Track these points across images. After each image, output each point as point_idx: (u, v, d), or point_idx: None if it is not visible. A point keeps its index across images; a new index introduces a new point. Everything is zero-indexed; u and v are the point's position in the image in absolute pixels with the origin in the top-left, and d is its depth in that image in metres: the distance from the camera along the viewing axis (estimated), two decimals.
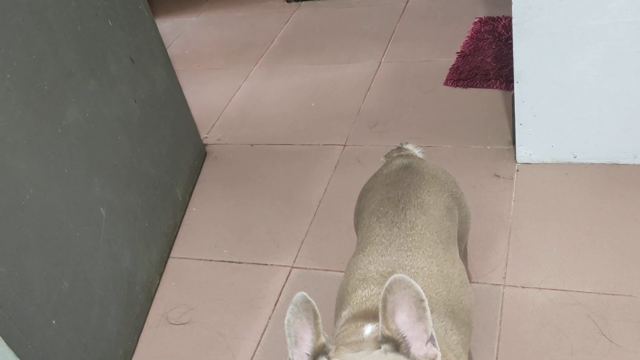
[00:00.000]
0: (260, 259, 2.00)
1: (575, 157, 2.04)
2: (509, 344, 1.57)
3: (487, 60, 2.70)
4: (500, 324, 1.62)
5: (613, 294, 1.61)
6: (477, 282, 1.74)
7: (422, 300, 0.86)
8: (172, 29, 3.68)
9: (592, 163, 2.02)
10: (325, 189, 2.22)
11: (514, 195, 2.00)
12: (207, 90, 3.02)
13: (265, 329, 1.77)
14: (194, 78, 3.13)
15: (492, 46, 2.76)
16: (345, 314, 1.14)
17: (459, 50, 2.80)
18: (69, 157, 1.61)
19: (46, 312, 1.43)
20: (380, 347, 0.89)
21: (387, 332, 0.88)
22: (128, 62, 1.97)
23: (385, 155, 1.55)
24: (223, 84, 3.04)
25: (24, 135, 1.45)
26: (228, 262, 2.03)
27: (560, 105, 1.95)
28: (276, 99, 2.83)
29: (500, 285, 1.73)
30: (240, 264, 2.01)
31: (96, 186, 1.71)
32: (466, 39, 2.87)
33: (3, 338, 1.27)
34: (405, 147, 1.55)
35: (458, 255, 1.29)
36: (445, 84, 2.64)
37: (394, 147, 1.59)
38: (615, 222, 1.81)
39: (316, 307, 0.89)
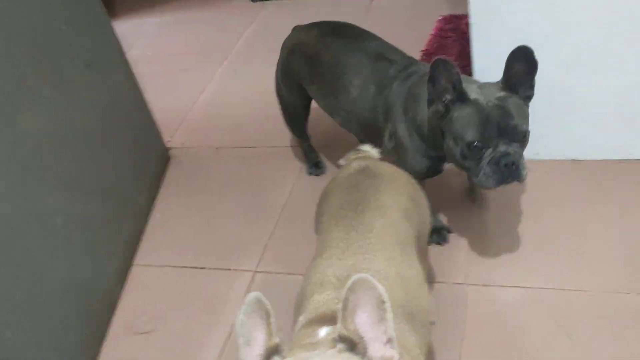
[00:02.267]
0: (223, 263, 1.98)
1: (537, 154, 2.05)
2: (473, 342, 1.58)
3: (451, 58, 2.70)
4: (465, 323, 1.63)
5: (573, 290, 1.63)
6: (440, 282, 1.74)
7: (384, 302, 0.86)
8: (134, 30, 3.62)
9: (554, 160, 2.03)
10: (290, 192, 2.21)
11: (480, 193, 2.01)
12: (172, 92, 2.97)
13: (229, 335, 1.75)
14: (158, 80, 3.07)
15: (455, 44, 2.77)
16: (301, 318, 1.13)
17: (423, 49, 2.81)
18: (22, 167, 1.57)
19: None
20: (335, 347, 0.88)
21: (344, 332, 0.87)
22: (84, 67, 1.93)
23: (343, 158, 1.54)
24: (187, 85, 3.01)
25: None
26: (192, 267, 2.00)
27: None
28: (241, 101, 2.80)
29: (463, 284, 1.73)
30: (203, 270, 1.98)
31: (51, 195, 1.67)
32: (430, 37, 2.87)
33: None
34: (362, 148, 1.54)
35: (416, 257, 1.29)
36: None
37: (352, 150, 1.58)
38: (580, 217, 1.83)
39: (269, 307, 0.87)
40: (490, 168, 1.49)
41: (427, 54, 2.76)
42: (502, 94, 1.52)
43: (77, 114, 1.86)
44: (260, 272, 1.92)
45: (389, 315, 0.86)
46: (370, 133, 1.79)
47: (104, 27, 2.07)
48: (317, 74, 1.90)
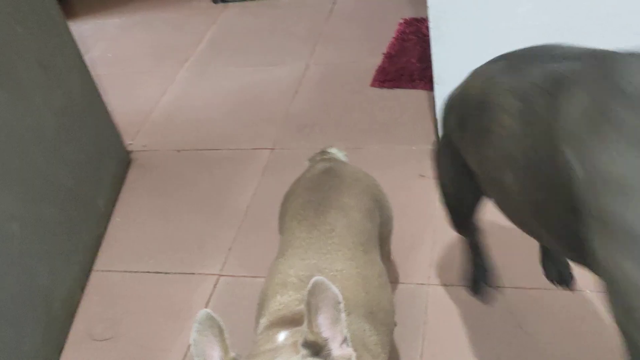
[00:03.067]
0: (186, 268, 1.96)
1: None
2: (434, 341, 1.60)
3: (412, 61, 2.74)
4: (425, 323, 1.65)
5: (530, 288, 1.67)
6: (402, 283, 1.76)
7: (339, 303, 0.88)
8: (93, 31, 3.55)
9: None
10: (253, 194, 2.20)
11: (438, 196, 2.03)
12: (132, 94, 2.93)
13: None
14: (118, 82, 3.03)
15: (416, 47, 2.81)
16: (263, 321, 1.13)
17: (385, 51, 2.83)
18: None
19: None
20: (299, 353, 0.89)
21: (310, 337, 0.88)
22: (39, 69, 1.88)
23: (309, 159, 1.55)
24: (149, 87, 2.97)
25: None
26: (154, 272, 1.98)
27: None
28: (203, 103, 2.78)
29: (425, 284, 1.75)
30: (166, 275, 1.96)
31: (5, 201, 1.62)
32: (392, 39, 2.90)
33: None
34: (329, 150, 1.55)
35: (378, 257, 1.30)
36: (372, 85, 2.66)
37: (318, 151, 1.59)
38: None
39: (221, 323, 0.87)
40: None
41: (389, 56, 2.79)
42: None
43: (31, 117, 1.82)
44: (225, 275, 1.91)
45: (343, 315, 0.89)
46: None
47: (60, 29, 2.02)
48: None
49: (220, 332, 0.87)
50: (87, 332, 1.81)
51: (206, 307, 1.83)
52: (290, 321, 1.04)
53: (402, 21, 3.00)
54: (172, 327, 1.78)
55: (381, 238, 1.38)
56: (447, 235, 1.89)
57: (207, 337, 0.87)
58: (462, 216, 1.38)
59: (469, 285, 1.56)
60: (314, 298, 0.86)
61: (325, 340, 0.89)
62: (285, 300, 1.10)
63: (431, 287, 1.74)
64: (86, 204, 2.04)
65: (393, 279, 1.75)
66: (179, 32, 3.42)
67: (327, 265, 1.15)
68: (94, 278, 1.99)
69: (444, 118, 1.23)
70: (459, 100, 1.16)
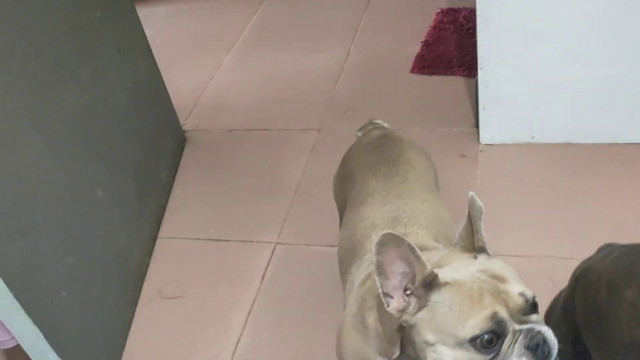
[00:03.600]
0: (245, 236, 2.13)
1: (533, 137, 2.23)
2: None
3: (449, 49, 2.88)
4: None
5: (567, 257, 1.81)
6: None
7: (482, 212, 1.04)
8: (141, 19, 3.71)
9: (548, 143, 2.22)
10: (304, 171, 2.36)
11: (479, 173, 2.18)
12: (181, 80, 3.09)
13: (254, 300, 1.90)
14: (166, 68, 3.19)
15: (454, 36, 2.94)
16: (369, 256, 1.21)
17: (423, 40, 2.97)
18: (68, 141, 1.70)
19: (57, 284, 1.52)
20: (479, 256, 1.03)
21: (481, 244, 1.04)
22: (115, 52, 2.05)
23: (360, 129, 1.72)
24: (196, 74, 3.13)
25: (30, 119, 1.53)
26: (215, 240, 2.15)
27: (520, 91, 2.13)
28: (250, 87, 2.94)
29: None
30: (227, 242, 2.13)
31: (92, 169, 1.80)
32: (429, 29, 3.04)
33: (23, 308, 1.36)
34: (376, 121, 1.73)
35: (441, 201, 1.48)
36: (412, 71, 2.80)
37: (366, 122, 1.75)
38: (569, 194, 2.02)
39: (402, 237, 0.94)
40: None
41: (427, 44, 2.92)
42: None
43: (108, 96, 1.99)
44: (282, 243, 2.07)
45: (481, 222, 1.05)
46: None
47: (131, 15, 2.20)
48: None
49: (411, 248, 0.94)
50: (158, 291, 1.99)
51: (265, 271, 2.00)
52: None
53: (439, 11, 3.13)
54: (235, 290, 1.95)
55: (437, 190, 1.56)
56: (487, 208, 2.03)
57: (391, 256, 0.94)
58: None
59: None
60: (474, 210, 1.03)
61: (485, 243, 1.04)
62: None
63: None
64: (152, 177, 2.21)
65: None
66: (221, 20, 3.58)
67: (409, 208, 1.31)
68: (160, 245, 2.16)
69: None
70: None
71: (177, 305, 1.93)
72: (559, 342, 1.05)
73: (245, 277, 1.98)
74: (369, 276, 1.17)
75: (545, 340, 0.95)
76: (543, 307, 1.67)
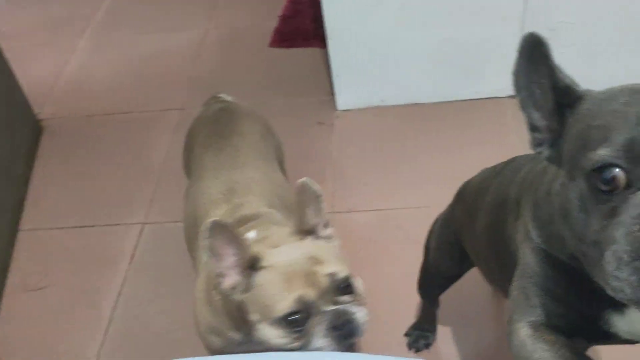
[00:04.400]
0: (111, 220, 2.11)
1: (382, 101, 2.38)
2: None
3: (306, 21, 2.97)
4: None
5: (417, 207, 1.97)
6: None
7: (319, 196, 1.10)
8: None
9: (396, 105, 2.37)
10: (168, 151, 2.36)
11: (335, 138, 2.30)
12: (32, 66, 2.94)
13: (124, 281, 1.91)
14: (16, 56, 3.02)
15: (310, 9, 3.03)
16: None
17: (280, 14, 3.04)
18: None
19: None
20: (306, 238, 1.09)
21: (303, 227, 1.10)
22: None
23: (204, 104, 1.79)
24: (49, 59, 3.00)
25: None
26: (79, 227, 2.11)
27: (367, 57, 2.26)
28: (108, 70, 2.87)
29: (329, 212, 2.00)
30: (92, 228, 2.10)
31: None
32: (286, 3, 3.11)
33: None
34: (219, 95, 1.79)
35: (277, 168, 1.57)
36: (271, 45, 2.87)
37: (210, 97, 1.81)
38: (417, 150, 2.18)
39: (226, 223, 1.04)
40: None
41: (284, 18, 3.00)
42: None
43: None
44: (149, 223, 2.08)
45: (323, 205, 1.12)
46: None
47: None
48: None
49: (229, 233, 1.03)
50: (21, 283, 1.93)
51: (134, 252, 2.00)
52: (237, 226, 1.23)
53: None
54: (104, 273, 1.94)
55: (278, 161, 1.63)
56: (345, 170, 2.16)
57: (220, 240, 1.02)
58: (439, 288, 1.49)
59: (410, 335, 1.65)
60: (301, 196, 1.09)
61: (313, 226, 1.11)
62: (222, 212, 1.31)
63: (336, 214, 2.01)
64: (7, 169, 2.12)
65: None
66: (72, 3, 3.43)
67: (240, 177, 1.38)
68: (21, 237, 2.09)
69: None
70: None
71: (43, 296, 1.89)
72: (440, 256, 1.33)
73: (113, 260, 1.97)
74: None
75: (350, 320, 1.02)
76: (394, 255, 1.82)
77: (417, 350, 1.63)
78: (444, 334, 1.66)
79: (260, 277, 1.04)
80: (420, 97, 2.35)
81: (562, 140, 0.71)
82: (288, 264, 1.04)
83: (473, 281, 1.50)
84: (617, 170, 0.59)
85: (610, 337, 0.76)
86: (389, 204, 2.01)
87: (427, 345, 1.63)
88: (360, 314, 1.05)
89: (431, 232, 1.44)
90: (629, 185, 0.59)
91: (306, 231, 1.11)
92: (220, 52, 2.88)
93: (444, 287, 1.47)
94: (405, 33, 2.18)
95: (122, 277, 1.92)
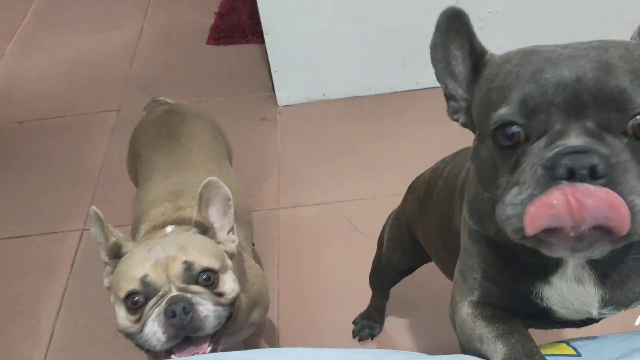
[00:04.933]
0: (48, 228, 2.03)
1: (324, 95, 2.38)
2: (288, 254, 1.86)
3: (243, 18, 2.93)
4: (278, 240, 1.90)
5: (362, 198, 1.98)
6: (256, 210, 1.99)
7: (228, 199, 1.12)
8: None
9: (337, 98, 2.38)
10: (105, 153, 2.29)
11: (279, 133, 2.28)
12: None
13: (65, 289, 1.84)
14: None
15: (246, 5, 3.00)
16: (144, 227, 1.29)
17: (216, 11, 2.99)
18: None
19: None
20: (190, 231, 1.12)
21: (199, 218, 1.10)
22: None
23: (144, 108, 1.74)
24: None
25: None
26: (16, 237, 2.02)
27: (305, 52, 2.25)
28: (40, 74, 2.76)
29: (275, 209, 2.00)
30: (28, 237, 2.02)
31: None
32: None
33: None
34: (160, 98, 1.75)
35: (231, 170, 1.55)
36: (208, 43, 2.82)
37: (150, 101, 1.77)
38: (359, 142, 2.19)
39: (101, 214, 1.08)
40: None
41: (221, 15, 2.95)
42: None
43: None
44: (89, 229, 2.00)
45: (232, 210, 1.12)
46: None
47: None
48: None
49: (101, 222, 1.06)
50: None
51: (74, 259, 1.93)
52: (171, 224, 1.23)
53: None
54: (43, 283, 1.86)
55: (228, 157, 1.61)
56: (290, 165, 2.15)
57: (94, 229, 1.06)
58: (390, 281, 1.50)
59: (356, 323, 1.67)
60: (206, 192, 1.09)
61: (212, 224, 1.12)
62: (162, 210, 1.28)
63: (281, 210, 2.00)
64: None
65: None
66: None
67: (190, 179, 1.35)
68: None
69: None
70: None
71: None
72: (393, 249, 1.34)
73: (52, 269, 1.90)
74: None
75: (188, 310, 0.98)
76: (341, 247, 1.82)
77: (361, 339, 1.64)
78: (395, 324, 1.68)
79: (120, 262, 1.07)
80: (361, 89, 2.36)
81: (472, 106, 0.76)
82: (147, 250, 1.05)
83: (427, 274, 1.52)
84: (514, 127, 0.65)
85: (549, 316, 0.78)
86: (335, 196, 2.01)
87: (372, 336, 1.64)
88: (205, 307, 1.00)
89: (385, 226, 1.44)
90: (527, 138, 0.65)
91: (201, 225, 1.11)
92: (157, 50, 2.81)
93: (395, 280, 1.49)
94: (342, 27, 2.18)
95: (63, 286, 1.85)
